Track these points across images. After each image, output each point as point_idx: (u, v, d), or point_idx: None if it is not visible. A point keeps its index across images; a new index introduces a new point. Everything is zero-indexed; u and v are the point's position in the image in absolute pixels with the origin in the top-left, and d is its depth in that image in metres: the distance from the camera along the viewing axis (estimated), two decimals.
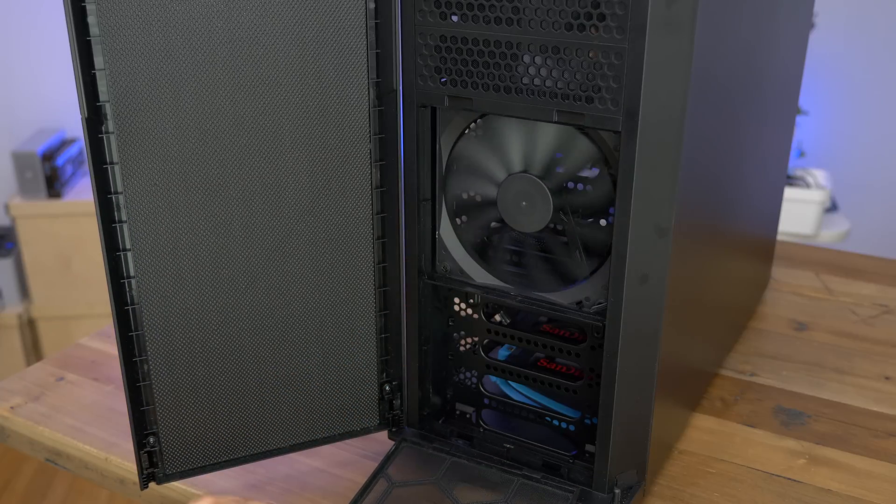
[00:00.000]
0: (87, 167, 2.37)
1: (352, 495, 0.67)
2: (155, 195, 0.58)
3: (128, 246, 0.58)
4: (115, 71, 0.55)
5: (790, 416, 0.79)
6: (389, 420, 0.72)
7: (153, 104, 0.56)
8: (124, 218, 0.58)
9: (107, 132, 0.56)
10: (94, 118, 0.55)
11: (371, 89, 0.62)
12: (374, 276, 0.67)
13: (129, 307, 0.60)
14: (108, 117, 0.55)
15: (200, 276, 0.61)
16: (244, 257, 0.62)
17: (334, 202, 0.64)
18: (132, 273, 0.59)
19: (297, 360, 0.66)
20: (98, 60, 0.54)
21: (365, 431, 0.71)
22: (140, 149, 0.57)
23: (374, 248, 0.66)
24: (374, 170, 0.64)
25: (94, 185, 0.56)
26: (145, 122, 0.56)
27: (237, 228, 0.61)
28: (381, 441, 0.73)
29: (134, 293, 0.60)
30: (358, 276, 0.66)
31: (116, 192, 0.57)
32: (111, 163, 0.56)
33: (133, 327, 0.60)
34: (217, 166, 0.59)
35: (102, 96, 0.55)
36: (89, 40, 0.53)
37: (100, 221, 0.57)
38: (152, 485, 0.65)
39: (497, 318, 0.70)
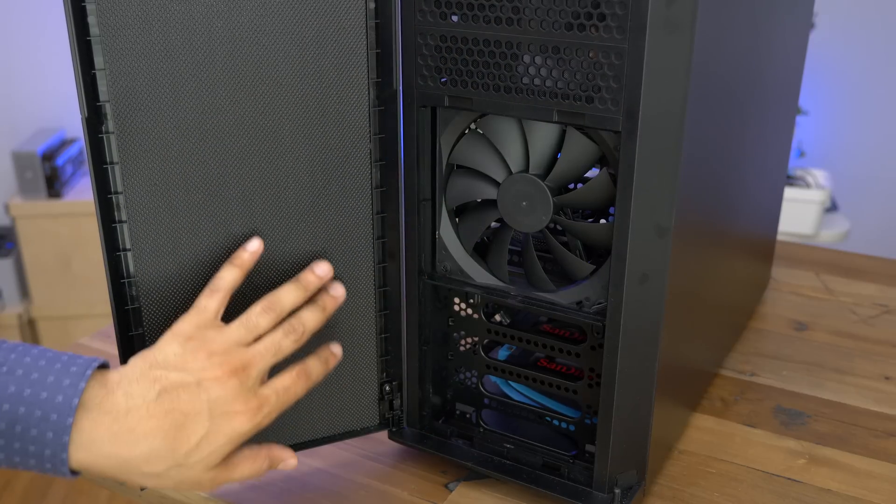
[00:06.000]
0: (87, 167, 2.37)
1: (352, 495, 0.68)
2: (155, 195, 0.58)
3: (128, 246, 0.58)
4: (115, 71, 0.55)
5: (790, 416, 0.79)
6: (389, 420, 0.72)
7: (153, 104, 0.56)
8: (124, 218, 0.58)
9: (107, 132, 0.56)
10: (94, 118, 0.55)
11: (371, 89, 0.62)
12: (375, 275, 0.67)
13: (129, 307, 0.60)
14: (108, 117, 0.55)
15: (200, 276, 0.61)
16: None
17: (334, 202, 0.64)
18: (132, 273, 0.59)
19: (296, 359, 0.66)
20: (98, 60, 0.54)
21: (365, 431, 0.71)
22: (140, 149, 0.57)
23: (374, 247, 0.66)
24: (374, 170, 0.64)
25: (94, 185, 0.56)
26: (145, 122, 0.56)
27: (237, 228, 0.61)
28: (381, 441, 0.73)
29: (134, 293, 0.60)
30: (358, 275, 0.66)
31: (116, 192, 0.57)
32: (111, 163, 0.56)
33: (133, 327, 0.60)
34: (217, 166, 0.59)
35: (102, 96, 0.55)
36: (89, 40, 0.53)
37: (100, 221, 0.57)
38: None
39: (497, 318, 0.70)
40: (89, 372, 0.51)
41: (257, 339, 0.58)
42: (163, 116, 0.56)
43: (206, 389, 0.54)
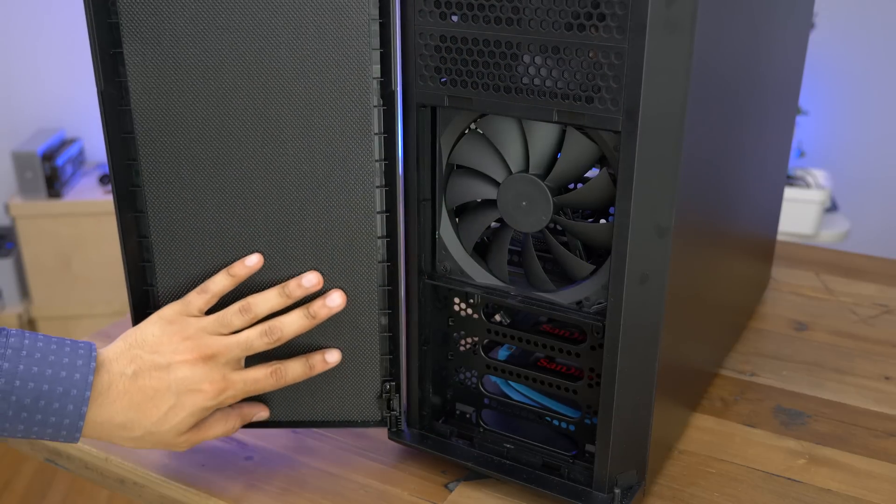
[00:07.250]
0: (86, 167, 2.37)
1: (352, 495, 0.68)
2: (164, 166, 0.64)
3: (143, 209, 0.65)
4: (130, 51, 0.61)
5: (790, 416, 0.79)
6: (389, 419, 0.72)
7: (164, 82, 0.61)
8: (140, 184, 0.64)
9: (126, 105, 0.62)
10: (113, 93, 0.62)
11: (374, 88, 0.63)
12: (379, 274, 0.67)
13: (144, 264, 0.66)
14: (128, 92, 0.62)
15: (202, 244, 0.65)
16: (246, 223, 0.65)
17: (335, 196, 0.64)
18: (147, 233, 0.66)
19: (300, 344, 0.68)
20: (117, 41, 0.61)
21: (364, 424, 0.71)
22: (153, 122, 0.63)
23: (378, 246, 0.66)
24: (378, 169, 0.64)
25: (110, 155, 0.63)
26: (158, 102, 0.62)
27: (239, 207, 0.65)
28: (381, 441, 0.73)
29: (148, 249, 0.66)
30: (361, 272, 0.67)
31: (133, 160, 0.63)
32: (129, 133, 0.63)
33: (147, 280, 0.67)
34: (220, 144, 0.63)
35: (121, 74, 0.62)
36: (110, 22, 0.60)
37: (114, 189, 0.64)
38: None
39: (497, 318, 0.70)
40: (94, 353, 0.59)
41: (234, 332, 0.64)
42: (172, 94, 0.62)
43: (173, 371, 0.62)
